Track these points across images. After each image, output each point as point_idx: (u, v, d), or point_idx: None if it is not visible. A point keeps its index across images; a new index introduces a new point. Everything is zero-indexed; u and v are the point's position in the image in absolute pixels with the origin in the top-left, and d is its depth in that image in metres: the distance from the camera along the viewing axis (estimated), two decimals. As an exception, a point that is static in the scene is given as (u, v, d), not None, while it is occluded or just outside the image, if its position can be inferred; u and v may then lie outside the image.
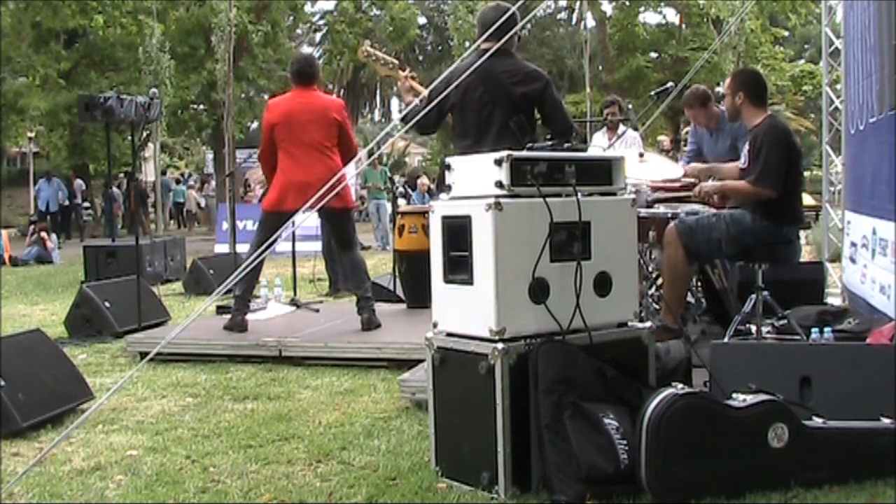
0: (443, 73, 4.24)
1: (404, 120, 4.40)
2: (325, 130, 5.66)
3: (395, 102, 42.17)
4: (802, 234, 5.40)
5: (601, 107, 8.21)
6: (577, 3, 29.71)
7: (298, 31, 32.27)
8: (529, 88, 4.30)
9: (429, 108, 4.04)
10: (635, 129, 7.48)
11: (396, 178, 21.88)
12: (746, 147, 4.59)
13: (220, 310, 6.65)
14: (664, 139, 10.38)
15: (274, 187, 5.73)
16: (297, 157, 5.61)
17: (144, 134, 7.19)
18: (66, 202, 22.32)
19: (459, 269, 3.01)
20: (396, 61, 4.66)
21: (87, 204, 24.00)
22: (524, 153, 3.05)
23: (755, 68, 5.29)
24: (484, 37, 4.19)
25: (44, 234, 15.30)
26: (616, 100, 7.74)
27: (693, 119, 6.00)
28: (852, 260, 6.43)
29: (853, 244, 6.40)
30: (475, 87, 4.19)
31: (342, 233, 5.88)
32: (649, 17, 31.32)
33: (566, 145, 3.24)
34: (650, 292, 5.35)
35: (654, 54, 30.93)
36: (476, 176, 3.02)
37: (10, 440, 3.69)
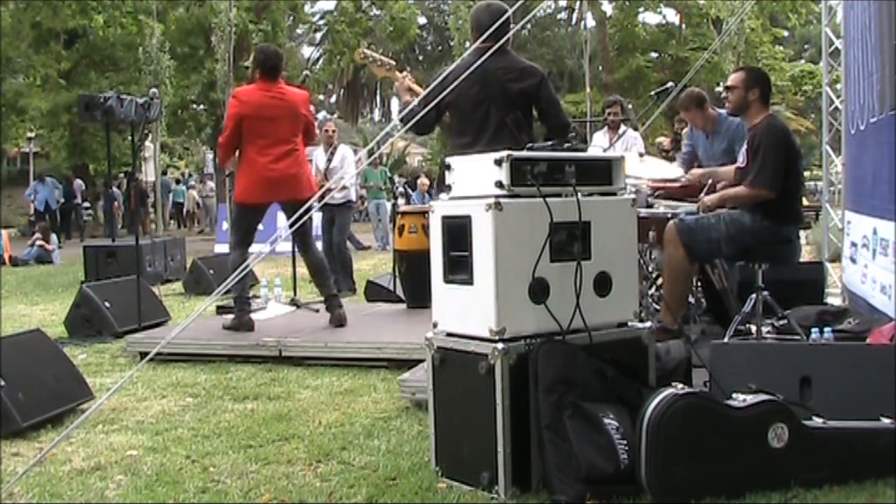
0: (443, 73, 4.23)
1: (403, 121, 4.39)
2: (294, 126, 5.80)
3: (394, 102, 42.21)
4: (802, 234, 5.39)
5: (603, 106, 8.21)
6: (577, 3, 29.71)
7: (298, 30, 32.28)
8: (526, 84, 4.28)
9: (427, 109, 4.04)
10: (635, 129, 7.48)
11: (396, 177, 21.88)
12: (745, 146, 4.58)
13: (221, 310, 6.65)
14: (664, 140, 10.37)
15: (242, 179, 5.81)
16: (265, 151, 5.68)
17: (144, 133, 7.19)
18: (62, 200, 22.28)
19: (459, 269, 3.01)
20: (393, 62, 4.66)
21: (86, 204, 23.99)
22: (524, 153, 3.05)
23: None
24: (482, 38, 4.17)
25: (41, 242, 15.23)
26: (618, 100, 7.74)
27: (690, 122, 5.99)
28: (852, 260, 6.43)
29: (853, 244, 6.40)
30: (471, 85, 4.13)
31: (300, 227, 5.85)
32: (649, 18, 31.37)
33: (566, 145, 3.24)
34: (650, 292, 5.35)
35: (654, 54, 30.94)
36: (476, 176, 3.02)
37: (10, 440, 3.69)
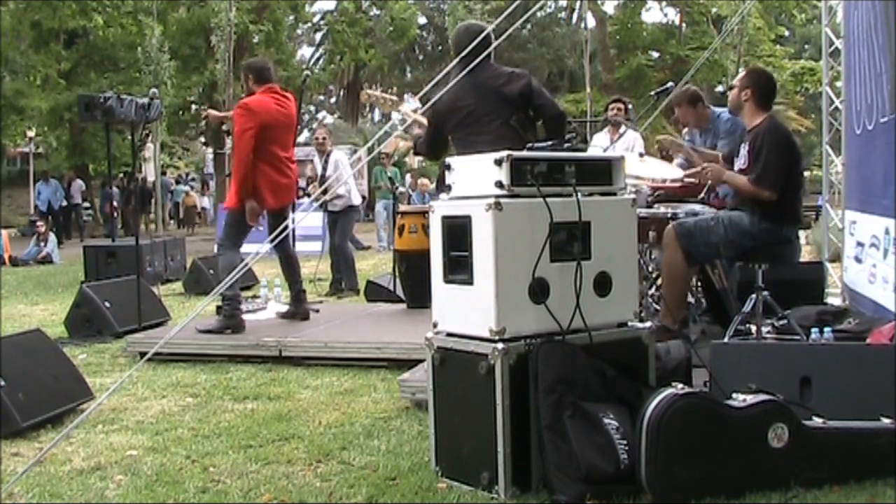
0: (442, 72, 4.28)
1: (416, 153, 4.87)
2: (294, 133, 6.13)
3: (394, 103, 42.07)
4: (802, 234, 5.39)
5: (607, 103, 8.20)
6: (577, 3, 29.71)
7: (299, 31, 32.27)
8: (519, 85, 4.43)
9: (432, 132, 4.47)
10: (635, 129, 7.47)
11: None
12: (746, 147, 4.57)
13: (220, 310, 6.64)
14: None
15: (263, 188, 5.77)
16: (279, 160, 5.84)
17: (145, 133, 7.19)
18: (64, 203, 22.26)
19: (459, 269, 3.01)
20: (396, 98, 4.93)
21: (87, 204, 23.98)
22: (524, 153, 3.06)
23: (770, 72, 5.22)
24: (460, 57, 4.18)
25: (42, 244, 15.24)
26: (622, 98, 7.74)
27: (681, 117, 5.98)
28: (857, 260, 6.40)
29: (860, 244, 6.36)
30: (467, 102, 4.36)
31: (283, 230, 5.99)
32: (650, 16, 31.39)
33: (566, 145, 3.24)
34: (650, 292, 5.35)
35: (654, 54, 30.93)
36: (476, 176, 3.02)
37: (10, 440, 3.69)
